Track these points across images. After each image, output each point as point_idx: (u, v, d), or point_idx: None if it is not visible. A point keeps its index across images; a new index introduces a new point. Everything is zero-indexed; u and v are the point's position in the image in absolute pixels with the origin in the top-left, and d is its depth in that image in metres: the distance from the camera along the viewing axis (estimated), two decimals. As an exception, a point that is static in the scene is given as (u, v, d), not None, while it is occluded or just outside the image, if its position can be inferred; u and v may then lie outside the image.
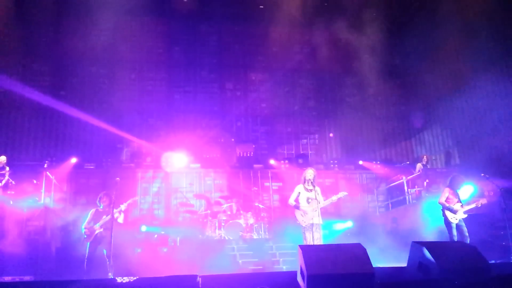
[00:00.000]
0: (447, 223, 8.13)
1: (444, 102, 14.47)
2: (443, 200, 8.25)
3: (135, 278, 5.20)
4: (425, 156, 13.06)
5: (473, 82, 13.21)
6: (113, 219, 7.64)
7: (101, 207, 8.14)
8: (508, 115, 11.89)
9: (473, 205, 8.18)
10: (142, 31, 15.36)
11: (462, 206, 8.16)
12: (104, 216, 7.97)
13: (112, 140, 13.92)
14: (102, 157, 13.30)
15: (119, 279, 5.20)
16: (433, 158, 14.59)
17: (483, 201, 8.12)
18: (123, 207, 7.97)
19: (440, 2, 14.15)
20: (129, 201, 8.17)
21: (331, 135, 13.54)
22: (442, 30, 14.03)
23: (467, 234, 8.01)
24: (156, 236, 10.88)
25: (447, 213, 8.15)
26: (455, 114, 14.05)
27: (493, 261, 5.80)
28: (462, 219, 8.11)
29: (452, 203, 8.18)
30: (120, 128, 13.90)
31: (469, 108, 13.47)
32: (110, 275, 7.11)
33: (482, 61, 12.79)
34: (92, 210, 8.20)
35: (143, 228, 11.00)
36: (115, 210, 7.74)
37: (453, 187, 8.42)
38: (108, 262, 7.50)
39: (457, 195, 8.35)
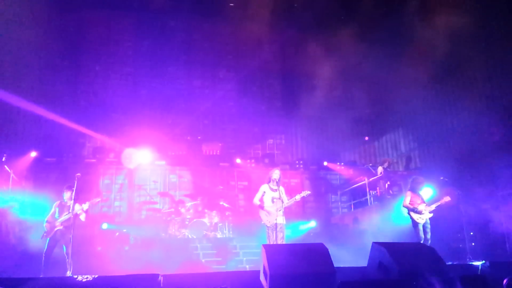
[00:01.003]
0: (415, 224, 8.35)
1: (406, 106, 14.85)
2: (407, 203, 8.47)
3: (95, 276, 5.09)
4: (386, 159, 13.37)
5: (433, 88, 13.65)
6: (76, 216, 7.46)
7: (63, 202, 7.92)
8: (465, 120, 12.34)
9: (437, 203, 8.41)
10: (109, 23, 15.04)
11: (426, 206, 8.38)
12: (66, 213, 7.75)
13: (74, 135, 13.55)
14: (63, 152, 12.91)
15: (78, 277, 5.07)
16: (394, 161, 14.96)
17: (447, 198, 8.35)
18: (85, 206, 7.75)
19: (406, 9, 14.53)
20: (92, 201, 7.97)
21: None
22: (407, 37, 14.41)
23: (429, 235, 8.24)
24: (117, 234, 10.67)
25: (413, 214, 8.36)
26: (416, 119, 14.44)
27: (450, 263, 5.99)
28: (428, 218, 8.33)
29: (416, 205, 8.38)
30: (83, 122, 13.55)
31: (429, 112, 13.88)
32: (69, 273, 6.92)
33: (443, 68, 13.24)
34: (57, 202, 7.96)
35: (104, 225, 10.77)
36: (77, 207, 7.55)
37: (415, 189, 8.65)
38: (67, 260, 7.30)
39: (420, 196, 8.58)
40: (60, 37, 13.84)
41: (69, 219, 7.65)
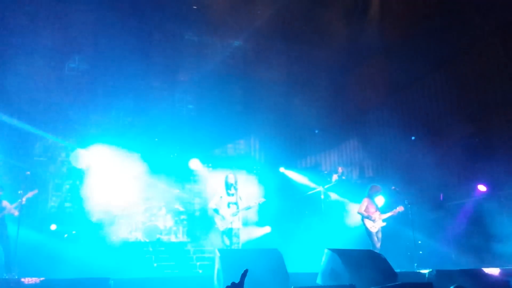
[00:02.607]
0: (368, 232, 8.47)
1: (362, 116, 15.28)
2: (362, 210, 8.58)
3: (42, 279, 4.89)
4: (340, 168, 13.66)
5: (388, 99, 14.12)
6: (11, 214, 7.16)
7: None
8: (415, 132, 12.85)
9: (391, 213, 8.61)
10: (66, 18, 14.54)
11: (380, 215, 8.55)
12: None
13: (24, 132, 13.00)
14: (12, 149, 12.34)
15: (25, 280, 4.86)
16: (348, 170, 15.32)
17: (400, 208, 8.60)
18: (22, 200, 7.44)
19: (366, 20, 14.98)
20: (28, 195, 7.64)
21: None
22: (363, 47, 14.84)
23: (379, 244, 8.43)
24: (66, 235, 10.30)
25: (367, 222, 8.48)
26: (371, 128, 14.88)
27: (398, 270, 6.18)
28: (381, 227, 8.50)
29: (371, 213, 8.53)
30: (34, 120, 13.05)
31: (384, 123, 14.34)
32: (14, 275, 6.61)
33: (399, 79, 13.73)
34: None
35: (53, 226, 10.38)
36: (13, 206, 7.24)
37: (371, 197, 8.80)
38: (8, 261, 6.97)
39: (375, 205, 8.74)
40: (14, 30, 13.30)
41: (3, 216, 7.35)
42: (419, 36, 12.49)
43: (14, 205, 7.25)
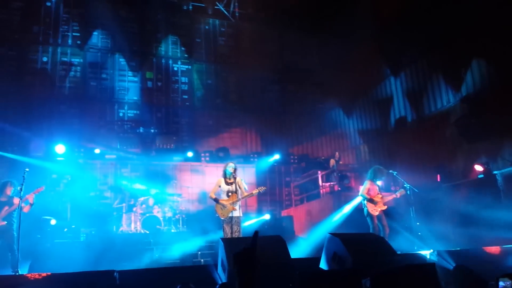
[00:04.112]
0: (369, 214, 8.40)
1: (357, 102, 15.30)
2: (365, 192, 8.48)
3: (47, 274, 4.90)
4: (337, 153, 13.70)
5: (381, 84, 14.14)
6: (19, 210, 7.13)
7: (3, 197, 7.55)
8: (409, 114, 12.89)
9: (392, 196, 8.58)
10: (56, 11, 14.40)
11: (382, 198, 8.51)
12: (7, 207, 7.40)
13: (21, 128, 12.94)
14: (8, 145, 12.28)
15: (30, 276, 4.86)
16: (345, 154, 15.39)
17: (402, 192, 8.56)
18: (31, 199, 7.43)
19: (357, 7, 14.92)
20: (36, 192, 7.62)
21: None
22: (357, 33, 14.80)
23: (386, 225, 8.39)
24: (66, 230, 10.31)
25: (368, 205, 8.39)
26: (366, 113, 14.90)
27: (399, 252, 6.24)
28: (383, 210, 8.47)
29: (373, 195, 8.47)
30: (30, 115, 13.03)
31: (379, 107, 14.36)
32: (18, 271, 6.62)
33: (390, 64, 13.75)
34: None
35: (53, 221, 10.37)
36: (21, 200, 7.21)
37: (375, 179, 8.71)
38: (13, 258, 6.97)
39: (377, 187, 8.66)
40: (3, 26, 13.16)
41: (11, 214, 7.34)
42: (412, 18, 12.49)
43: (23, 201, 7.23)
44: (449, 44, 11.56)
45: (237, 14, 16.32)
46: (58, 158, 12.49)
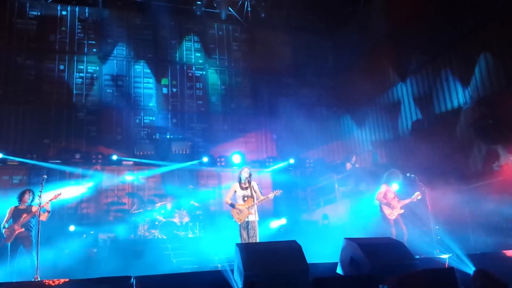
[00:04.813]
0: (385, 219, 8.28)
1: (372, 104, 15.18)
2: (380, 196, 8.35)
3: (65, 280, 4.95)
4: (353, 156, 13.61)
5: (396, 86, 14.02)
6: (37, 217, 7.23)
7: (22, 205, 7.68)
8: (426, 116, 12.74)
9: (409, 200, 8.43)
10: (72, 20, 14.67)
11: (399, 201, 8.37)
12: (25, 215, 7.52)
13: (38, 135, 13.22)
14: (27, 153, 12.51)
15: (47, 282, 4.93)
16: (361, 157, 15.26)
17: (418, 195, 8.40)
18: (47, 206, 7.53)
19: (372, 9, 14.88)
20: (52, 199, 7.71)
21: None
22: (372, 35, 14.73)
23: (404, 228, 8.27)
24: (84, 236, 10.44)
25: (385, 209, 8.26)
26: (382, 116, 14.76)
27: (418, 256, 6.16)
28: (400, 214, 8.34)
29: (389, 199, 8.34)
30: (48, 123, 13.29)
31: (394, 110, 14.23)
32: (38, 277, 6.71)
33: (407, 65, 13.61)
34: (11, 208, 7.68)
35: (72, 228, 10.52)
36: (38, 208, 7.31)
37: (390, 183, 8.58)
38: (33, 264, 7.08)
39: (393, 191, 8.53)
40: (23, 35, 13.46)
41: (29, 221, 7.46)
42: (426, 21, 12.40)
43: (40, 208, 7.34)
44: (462, 44, 11.44)
45: (250, 19, 16.38)
46: (75, 160, 12.70)
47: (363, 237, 6.33)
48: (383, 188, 8.47)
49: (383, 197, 8.35)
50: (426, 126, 12.79)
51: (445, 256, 6.37)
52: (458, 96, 11.71)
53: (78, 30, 14.66)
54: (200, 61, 15.91)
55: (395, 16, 13.59)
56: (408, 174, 8.94)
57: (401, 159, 13.54)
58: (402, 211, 8.35)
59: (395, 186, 8.74)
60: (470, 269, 5.60)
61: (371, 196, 9.18)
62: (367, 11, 15.16)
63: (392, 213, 8.24)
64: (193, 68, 15.82)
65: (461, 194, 9.60)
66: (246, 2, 16.11)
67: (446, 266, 6.03)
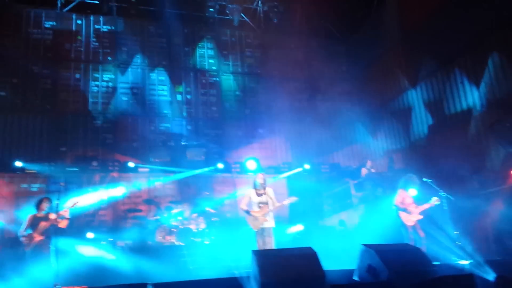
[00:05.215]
0: (403, 224, 8.18)
1: (387, 108, 15.07)
2: (398, 202, 8.26)
3: (84, 288, 5.01)
4: (368, 161, 13.52)
5: (412, 90, 13.91)
6: (55, 225, 7.32)
7: (40, 213, 7.78)
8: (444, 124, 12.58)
9: (427, 205, 8.32)
10: (87, 29, 14.91)
11: (416, 207, 8.27)
12: (43, 223, 7.62)
13: (55, 143, 13.43)
14: (45, 161, 12.70)
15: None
16: (377, 162, 15.14)
17: (436, 200, 8.29)
18: (66, 214, 7.62)
19: (384, 13, 14.81)
20: (70, 206, 7.81)
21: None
22: (385, 40, 14.66)
23: (423, 234, 8.15)
24: (103, 243, 10.53)
25: (402, 214, 8.15)
26: (397, 120, 14.63)
27: (437, 263, 6.07)
28: (418, 220, 8.23)
29: (407, 205, 8.25)
30: (65, 131, 13.49)
31: (409, 114, 14.11)
32: (57, 286, 6.78)
33: (419, 70, 13.51)
34: (29, 216, 7.79)
35: (90, 235, 10.62)
36: (56, 215, 7.40)
37: (407, 188, 8.49)
38: (52, 271, 7.16)
39: (411, 197, 8.43)
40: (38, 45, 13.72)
41: (48, 228, 7.54)
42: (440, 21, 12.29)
43: (57, 215, 7.42)
44: (476, 47, 11.32)
45: (262, 25, 16.45)
46: (92, 168, 12.84)
47: (381, 244, 6.26)
48: (400, 193, 8.38)
49: (400, 202, 8.26)
50: (441, 130, 12.64)
51: (464, 262, 6.27)
52: (474, 98, 11.55)
53: (93, 39, 14.91)
54: (214, 67, 16.02)
55: (407, 20, 13.51)
56: (424, 179, 8.83)
57: (417, 163, 13.39)
58: (421, 216, 8.25)
59: (412, 192, 8.63)
60: (491, 275, 5.49)
61: (388, 201, 9.09)
62: (380, 15, 15.09)
63: (410, 219, 8.14)
64: (207, 75, 15.93)
65: (480, 198, 9.45)
66: (258, 8, 16.18)
67: (466, 272, 5.93)
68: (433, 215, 9.09)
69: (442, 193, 8.41)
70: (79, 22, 14.85)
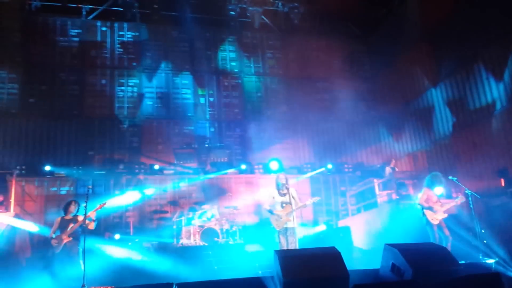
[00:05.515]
0: (428, 223, 8.07)
1: (409, 107, 14.88)
2: (423, 200, 8.16)
3: (111, 288, 5.14)
4: (392, 160, 13.34)
5: (433, 89, 13.71)
6: (83, 227, 7.50)
7: (68, 215, 8.00)
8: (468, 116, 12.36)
9: (452, 204, 8.19)
10: (112, 35, 15.26)
11: (441, 205, 8.16)
12: (71, 225, 7.83)
13: (83, 147, 13.79)
14: (73, 164, 13.06)
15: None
16: (402, 161, 14.97)
17: (462, 198, 8.14)
18: (93, 215, 7.80)
19: (405, 10, 14.63)
20: (98, 208, 7.99)
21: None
22: (408, 36, 14.46)
23: (448, 233, 8.03)
24: (130, 243, 10.75)
25: (428, 213, 8.03)
26: (422, 117, 14.43)
27: (463, 261, 5.99)
28: (443, 219, 8.11)
29: (432, 203, 8.15)
30: (92, 135, 13.85)
31: (430, 113, 13.90)
32: (85, 285, 6.97)
33: (444, 67, 13.29)
34: (58, 219, 8.02)
35: (117, 236, 10.85)
36: (85, 217, 7.58)
37: (432, 186, 8.37)
38: (80, 272, 7.35)
39: (436, 195, 8.31)
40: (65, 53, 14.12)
41: (76, 230, 7.74)
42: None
43: (86, 218, 7.61)
44: (499, 43, 11.09)
45: (283, 26, 16.48)
46: (119, 170, 13.13)
47: (405, 243, 6.20)
48: (425, 191, 8.26)
49: (425, 201, 8.15)
50: (465, 128, 12.42)
51: (491, 261, 6.15)
52: (500, 93, 11.30)
53: (118, 45, 15.25)
54: (236, 69, 16.16)
55: (429, 17, 13.30)
56: (450, 177, 8.70)
57: (442, 161, 13.19)
58: (446, 215, 8.12)
59: (437, 190, 8.50)
60: (518, 274, 5.40)
61: (413, 200, 8.99)
62: (401, 12, 14.92)
63: (435, 217, 8.01)
64: (229, 77, 16.07)
65: (506, 196, 9.26)
66: (278, 10, 16.21)
67: (492, 271, 5.83)
68: (459, 214, 8.96)
69: (468, 191, 8.25)
70: (103, 29, 15.22)
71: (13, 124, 13.49)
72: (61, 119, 13.94)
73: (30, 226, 10.61)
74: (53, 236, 7.84)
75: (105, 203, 8.03)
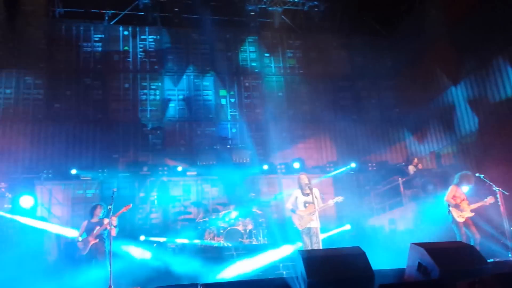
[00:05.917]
0: (455, 221, 7.91)
1: (432, 104, 14.61)
2: (449, 198, 8.01)
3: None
4: (415, 159, 13.11)
5: (460, 83, 13.41)
6: (109, 229, 7.61)
7: (95, 218, 8.14)
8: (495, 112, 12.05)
9: (480, 204, 8.02)
10: (134, 39, 15.46)
11: (469, 204, 7.99)
12: (98, 227, 7.96)
13: (108, 151, 14.01)
14: (98, 168, 13.29)
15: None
16: (425, 159, 14.72)
17: (491, 199, 7.97)
18: (114, 222, 7.84)
19: (427, 6, 14.39)
20: (122, 211, 8.06)
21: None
22: (430, 32, 14.21)
23: (476, 231, 7.85)
24: (155, 245, 10.86)
25: (454, 211, 7.88)
26: (446, 114, 14.14)
27: (491, 260, 5.84)
28: (470, 217, 7.94)
29: (459, 201, 7.99)
30: (117, 139, 14.05)
31: (453, 110, 13.62)
32: (112, 286, 7.07)
33: (467, 62, 13.01)
34: (84, 222, 8.19)
35: (142, 237, 10.98)
36: (109, 220, 7.68)
37: (461, 185, 8.22)
38: (107, 273, 7.46)
39: (463, 193, 8.16)
40: (89, 58, 14.37)
41: (102, 233, 7.87)
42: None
43: (110, 220, 7.71)
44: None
45: (303, 25, 16.41)
46: (143, 173, 13.30)
47: (431, 242, 6.08)
48: (452, 189, 8.12)
49: (453, 198, 8.00)
50: (490, 124, 12.11)
51: (521, 260, 5.98)
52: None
53: (140, 49, 15.45)
54: (256, 70, 16.16)
55: (451, 13, 13.04)
56: (477, 174, 8.50)
57: (470, 159, 12.90)
58: (473, 214, 7.94)
59: (465, 188, 8.33)
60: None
61: (439, 199, 8.81)
62: (423, 8, 14.68)
63: (462, 216, 7.85)
64: (250, 78, 16.08)
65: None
66: (298, 9, 16.15)
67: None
68: (487, 211, 8.73)
69: (496, 188, 8.04)
70: (125, 33, 15.45)
71: (40, 129, 13.80)
72: (86, 124, 14.21)
73: (58, 229, 10.82)
74: (80, 239, 7.99)
75: (130, 205, 8.13)
